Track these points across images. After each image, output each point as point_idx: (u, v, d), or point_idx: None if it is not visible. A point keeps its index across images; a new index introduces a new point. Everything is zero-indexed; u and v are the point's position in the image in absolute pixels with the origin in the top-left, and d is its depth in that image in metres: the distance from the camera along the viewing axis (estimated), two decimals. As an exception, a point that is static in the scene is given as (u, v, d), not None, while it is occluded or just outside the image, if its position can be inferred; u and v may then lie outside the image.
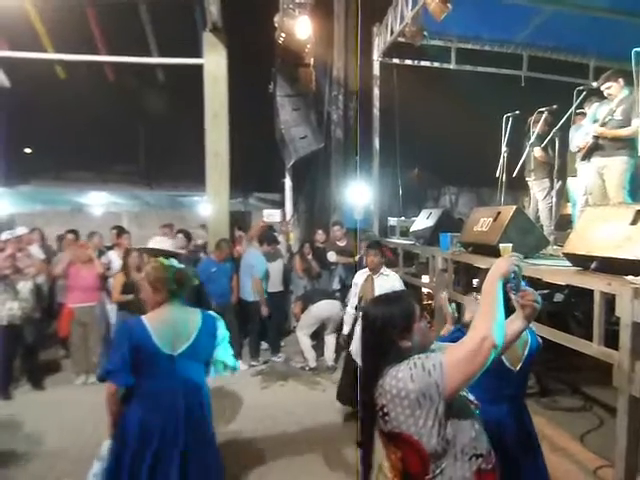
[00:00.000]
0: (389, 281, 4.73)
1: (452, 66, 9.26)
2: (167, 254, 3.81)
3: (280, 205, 11.81)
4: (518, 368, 2.55)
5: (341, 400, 4.91)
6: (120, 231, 6.67)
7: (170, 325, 2.57)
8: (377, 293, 4.73)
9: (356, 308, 4.95)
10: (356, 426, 4.10)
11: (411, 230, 7.16)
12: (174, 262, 2.69)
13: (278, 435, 4.48)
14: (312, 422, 4.75)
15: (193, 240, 7.76)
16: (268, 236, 6.86)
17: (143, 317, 2.57)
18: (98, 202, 15.05)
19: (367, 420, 1.75)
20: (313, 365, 6.28)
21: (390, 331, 1.70)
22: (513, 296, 1.76)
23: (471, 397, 1.79)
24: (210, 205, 7.74)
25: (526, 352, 2.56)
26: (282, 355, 6.78)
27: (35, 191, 14.28)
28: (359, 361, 4.91)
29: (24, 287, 5.51)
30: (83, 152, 15.21)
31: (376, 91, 9.10)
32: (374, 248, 4.82)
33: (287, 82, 8.56)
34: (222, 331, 2.78)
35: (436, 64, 9.31)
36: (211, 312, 2.82)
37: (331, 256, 7.18)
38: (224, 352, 2.78)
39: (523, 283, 1.78)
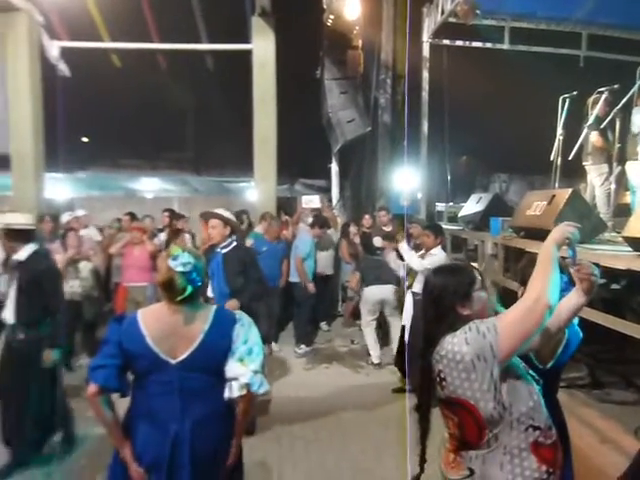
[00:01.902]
0: (436, 260, 4.75)
1: (506, 46, 8.96)
2: (223, 219, 4.06)
3: (326, 191, 11.85)
4: (549, 366, 2.28)
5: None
6: (172, 214, 6.90)
7: (169, 325, 2.08)
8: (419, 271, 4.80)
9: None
10: (402, 407, 4.13)
11: (460, 215, 7.02)
12: (182, 261, 2.09)
13: (321, 413, 4.54)
14: (357, 402, 4.79)
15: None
16: (320, 219, 6.81)
17: (139, 313, 2.13)
18: (149, 188, 15.62)
19: (424, 385, 1.80)
20: (376, 362, 5.93)
21: (449, 298, 1.74)
22: (571, 270, 1.77)
23: (532, 373, 1.80)
24: (257, 190, 7.85)
25: (559, 349, 2.28)
26: (303, 347, 6.43)
27: (92, 177, 14.96)
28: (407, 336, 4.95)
29: (85, 267, 5.81)
30: (135, 140, 15.75)
31: (425, 74, 8.91)
32: (430, 229, 4.97)
33: (335, 65, 8.53)
34: (245, 336, 2.15)
35: (489, 44, 9.03)
36: (234, 312, 2.29)
37: (377, 241, 7.11)
38: (248, 364, 2.10)
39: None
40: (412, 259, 4.91)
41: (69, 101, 9.27)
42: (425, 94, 8.96)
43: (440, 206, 8.16)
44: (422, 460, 1.84)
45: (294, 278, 6.58)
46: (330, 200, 10.26)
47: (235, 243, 4.17)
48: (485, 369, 1.60)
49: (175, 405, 2.05)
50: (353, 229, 7.47)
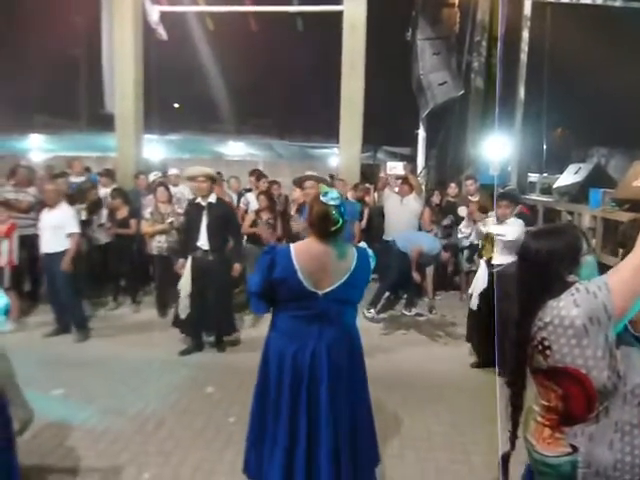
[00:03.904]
0: (509, 229, 4.49)
1: (618, 3, 8.13)
2: (319, 180, 4.67)
3: (410, 160, 11.59)
4: None
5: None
6: (259, 174, 7.17)
7: (319, 261, 2.31)
8: (496, 241, 4.58)
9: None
10: (477, 376, 4.04)
11: (555, 186, 6.61)
12: (332, 196, 2.34)
13: (395, 376, 4.56)
14: (432, 369, 4.79)
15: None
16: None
17: (292, 247, 2.36)
18: (235, 152, 16.14)
19: (521, 358, 1.66)
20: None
21: (556, 264, 1.58)
22: None
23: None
24: (341, 155, 7.84)
25: None
26: (372, 311, 6.24)
27: (183, 140, 15.68)
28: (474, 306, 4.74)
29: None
30: (223, 105, 16.24)
31: (525, 34, 8.32)
32: (504, 199, 4.67)
33: (429, 24, 8.16)
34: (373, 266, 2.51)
35: (599, 1, 8.23)
36: (366, 248, 2.56)
37: (462, 211, 6.91)
38: None
39: None
40: (505, 230, 4.64)
41: (164, 65, 9.68)
42: (524, 56, 8.38)
43: (533, 177, 7.70)
44: (513, 437, 1.74)
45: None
46: (415, 168, 9.99)
47: None
48: (599, 332, 1.46)
49: (314, 328, 2.35)
50: (435, 198, 7.29)
